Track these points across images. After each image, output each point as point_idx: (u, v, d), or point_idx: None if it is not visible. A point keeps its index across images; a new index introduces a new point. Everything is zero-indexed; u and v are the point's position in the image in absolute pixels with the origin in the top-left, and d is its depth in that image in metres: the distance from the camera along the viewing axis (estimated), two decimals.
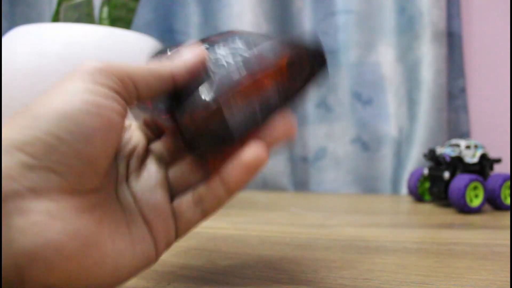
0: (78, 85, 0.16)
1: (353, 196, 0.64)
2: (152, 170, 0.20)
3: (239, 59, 0.20)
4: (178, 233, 0.20)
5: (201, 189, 0.20)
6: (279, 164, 0.71)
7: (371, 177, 0.69)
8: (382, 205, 0.54)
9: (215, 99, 0.19)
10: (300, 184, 0.73)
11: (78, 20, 0.55)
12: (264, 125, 0.20)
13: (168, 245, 0.20)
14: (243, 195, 0.63)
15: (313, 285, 0.22)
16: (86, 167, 0.15)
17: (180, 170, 0.21)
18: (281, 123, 0.20)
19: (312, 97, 0.71)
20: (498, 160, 0.50)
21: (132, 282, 0.23)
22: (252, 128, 0.20)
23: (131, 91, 0.18)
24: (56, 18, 0.57)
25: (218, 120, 0.19)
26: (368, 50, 0.69)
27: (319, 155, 0.72)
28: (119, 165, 0.20)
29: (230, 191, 0.20)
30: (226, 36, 0.22)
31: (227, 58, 0.20)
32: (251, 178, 0.20)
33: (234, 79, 0.19)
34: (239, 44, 0.21)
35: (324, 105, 0.71)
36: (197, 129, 0.19)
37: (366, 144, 0.69)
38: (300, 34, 0.22)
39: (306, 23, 0.72)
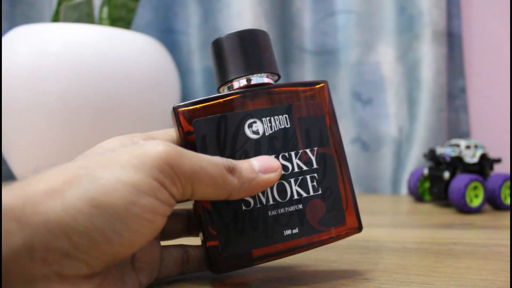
0: (143, 180, 0.15)
1: None
2: None
3: (303, 212, 0.21)
4: (154, 279, 0.21)
5: (191, 251, 0.22)
6: None
7: (371, 177, 0.69)
8: (382, 205, 0.54)
9: (252, 259, 0.20)
10: None
11: (78, 20, 0.55)
12: None
13: (146, 286, 0.21)
14: None
15: (313, 285, 0.22)
16: (114, 259, 0.16)
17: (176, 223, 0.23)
18: None
19: None
20: (498, 160, 0.50)
21: None
22: None
23: (186, 195, 0.17)
24: (56, 18, 0.57)
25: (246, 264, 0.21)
26: (368, 50, 0.69)
27: None
28: None
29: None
30: (308, 111, 0.22)
31: (296, 201, 0.21)
32: None
33: (288, 247, 0.21)
34: (314, 172, 0.22)
35: None
36: (223, 266, 0.20)
37: (366, 144, 0.69)
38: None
39: (306, 23, 0.72)
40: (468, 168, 0.48)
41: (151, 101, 0.54)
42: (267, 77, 0.22)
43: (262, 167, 0.20)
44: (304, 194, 0.21)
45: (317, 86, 0.24)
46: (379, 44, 0.68)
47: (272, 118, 0.21)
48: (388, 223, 0.41)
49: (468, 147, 0.49)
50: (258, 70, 0.22)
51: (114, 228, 0.15)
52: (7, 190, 0.14)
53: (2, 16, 0.83)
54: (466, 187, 0.44)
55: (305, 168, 0.21)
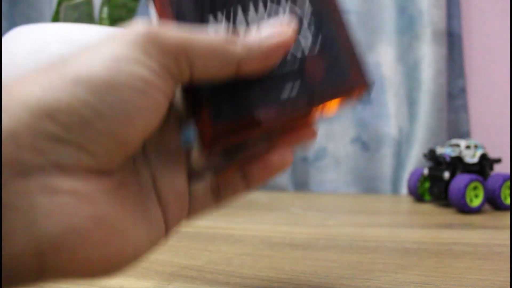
0: (126, 52, 0.13)
1: (353, 196, 0.64)
2: (172, 146, 0.18)
3: (301, 68, 0.18)
4: (189, 216, 0.19)
5: (220, 178, 0.19)
6: None
7: (371, 177, 0.69)
8: (382, 205, 0.54)
9: (260, 120, 0.17)
10: (300, 184, 0.72)
11: (78, 20, 0.55)
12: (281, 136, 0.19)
13: (176, 226, 0.18)
14: (243, 195, 0.63)
15: (313, 285, 0.22)
16: (119, 148, 0.14)
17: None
18: (305, 129, 0.19)
19: None
20: (498, 160, 0.50)
21: (132, 282, 0.23)
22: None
23: (184, 70, 0.15)
24: (56, 18, 0.57)
25: (240, 138, 0.18)
26: (368, 50, 0.69)
27: (319, 155, 0.72)
28: None
29: (249, 186, 0.19)
30: None
31: (293, 55, 0.18)
32: (273, 177, 0.19)
33: (289, 110, 0.17)
34: (307, 30, 0.18)
35: None
36: (222, 140, 0.17)
37: (366, 144, 0.69)
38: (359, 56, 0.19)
39: None
40: (468, 168, 0.48)
41: None
42: None
43: (268, 28, 0.16)
44: (301, 52, 0.18)
45: None
46: (379, 44, 0.68)
47: None
48: (388, 223, 0.41)
49: (468, 147, 0.49)
50: None
51: (103, 99, 0.13)
52: None
53: (2, 16, 0.83)
54: (466, 187, 0.44)
55: (299, 10, 0.18)
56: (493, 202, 0.46)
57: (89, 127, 0.13)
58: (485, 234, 0.35)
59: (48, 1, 0.84)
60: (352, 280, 0.23)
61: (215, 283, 0.22)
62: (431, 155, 0.51)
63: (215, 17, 0.18)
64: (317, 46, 0.18)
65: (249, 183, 0.19)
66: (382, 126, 0.68)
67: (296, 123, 0.19)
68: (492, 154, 0.57)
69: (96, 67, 0.13)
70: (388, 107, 0.68)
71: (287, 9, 0.18)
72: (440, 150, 0.51)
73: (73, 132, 0.12)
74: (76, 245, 0.12)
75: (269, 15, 0.18)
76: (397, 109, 0.67)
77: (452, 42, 0.67)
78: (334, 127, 0.71)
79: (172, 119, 0.18)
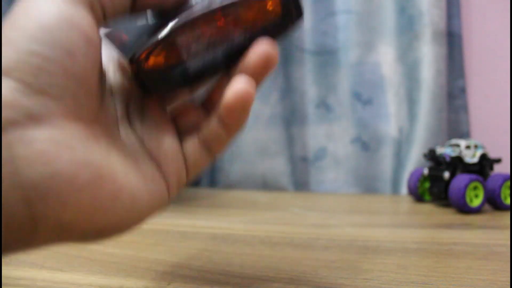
0: None
1: (353, 196, 0.64)
2: (156, 113, 0.19)
3: None
4: (189, 174, 0.19)
5: (205, 132, 0.19)
6: (279, 164, 0.71)
7: (371, 177, 0.69)
8: (382, 205, 0.54)
9: (170, 37, 0.17)
10: (300, 184, 0.73)
11: None
12: (226, 67, 0.19)
13: (179, 186, 0.19)
14: (243, 195, 0.63)
15: (313, 285, 0.22)
16: (77, 86, 0.14)
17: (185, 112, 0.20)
18: (256, 52, 0.18)
19: (312, 97, 0.71)
20: (498, 160, 0.50)
21: (132, 282, 0.23)
22: (213, 69, 0.19)
23: (102, 3, 0.16)
24: None
25: (172, 61, 0.17)
26: (368, 50, 0.69)
27: (319, 155, 0.72)
28: (116, 105, 0.18)
29: (229, 130, 0.19)
30: None
31: None
32: (244, 114, 0.18)
33: (201, 13, 0.17)
34: None
35: (324, 105, 0.71)
36: (149, 69, 0.17)
37: (366, 144, 0.69)
38: None
39: (306, 23, 0.72)
40: (468, 168, 0.48)
41: None
42: None
43: None
44: None
45: None
46: (379, 44, 0.68)
47: None
48: (388, 223, 0.41)
49: (468, 147, 0.49)
50: None
51: (41, 43, 0.13)
52: None
53: (2, 16, 0.83)
54: (466, 187, 0.44)
55: None
56: (493, 202, 0.46)
57: (42, 73, 0.13)
58: (485, 234, 0.35)
59: None
60: (352, 280, 0.23)
61: (215, 283, 0.22)
62: (431, 155, 0.51)
63: None
64: None
65: (226, 124, 0.19)
66: (382, 126, 0.68)
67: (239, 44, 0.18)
68: (492, 154, 0.57)
69: (30, 19, 0.14)
70: (388, 107, 0.68)
71: None
72: (440, 150, 0.51)
73: (29, 82, 0.13)
74: (62, 189, 0.13)
75: None
76: (397, 109, 0.67)
77: (452, 42, 0.67)
78: (334, 127, 0.71)
79: None
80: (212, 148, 0.20)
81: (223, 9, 0.17)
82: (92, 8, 0.15)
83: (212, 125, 0.19)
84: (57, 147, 0.13)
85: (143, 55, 0.17)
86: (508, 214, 0.44)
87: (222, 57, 0.18)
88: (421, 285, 0.22)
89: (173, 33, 0.17)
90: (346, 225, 0.39)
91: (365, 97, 0.69)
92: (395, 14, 0.67)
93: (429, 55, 0.63)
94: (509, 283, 0.22)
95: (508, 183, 0.46)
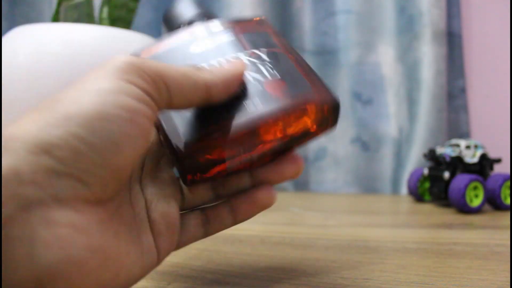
0: (110, 84, 0.15)
1: (353, 196, 0.64)
2: (166, 176, 0.20)
3: (263, 90, 0.19)
4: (179, 246, 0.20)
5: (209, 211, 0.21)
6: None
7: (371, 177, 0.69)
8: (382, 205, 0.54)
9: (218, 148, 0.18)
10: (300, 184, 0.72)
11: (78, 20, 0.55)
12: (263, 164, 0.20)
13: (165, 256, 0.20)
14: None
15: (313, 285, 0.22)
16: (112, 176, 0.15)
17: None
18: (290, 165, 0.21)
19: None
20: (498, 160, 0.50)
21: None
22: (246, 166, 0.20)
23: (163, 95, 0.16)
24: (56, 18, 0.57)
25: (215, 165, 0.18)
26: (368, 50, 0.69)
27: (319, 155, 0.72)
28: (134, 168, 0.19)
29: (236, 221, 0.21)
30: (249, 31, 0.21)
31: (253, 84, 0.19)
32: (259, 212, 0.21)
33: (251, 124, 0.18)
34: (267, 63, 0.20)
35: None
36: (193, 162, 0.18)
37: (366, 144, 0.69)
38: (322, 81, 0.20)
39: (306, 23, 0.72)
40: (468, 168, 0.48)
41: None
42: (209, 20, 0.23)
43: (227, 64, 0.19)
44: (261, 78, 0.19)
45: (255, 19, 0.23)
46: (379, 44, 0.68)
47: (215, 38, 0.21)
48: (388, 223, 0.41)
49: (468, 147, 0.49)
50: (202, 17, 0.23)
51: (93, 131, 0.14)
52: None
53: (2, 16, 0.83)
54: (466, 187, 0.44)
55: (257, 61, 0.20)
56: (493, 202, 0.46)
57: (82, 159, 0.14)
58: (485, 234, 0.35)
59: (48, 1, 0.84)
60: (352, 280, 0.23)
61: (215, 283, 0.22)
62: (431, 155, 0.51)
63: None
64: (277, 74, 0.20)
65: (236, 218, 0.21)
66: (382, 126, 0.68)
67: (275, 151, 0.20)
68: (492, 154, 0.57)
69: (84, 101, 0.14)
70: (388, 107, 0.68)
71: (247, 60, 0.20)
72: (440, 150, 0.51)
73: (68, 164, 0.13)
74: (73, 273, 0.13)
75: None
76: (397, 109, 0.67)
77: (452, 42, 0.67)
78: None
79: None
80: (211, 229, 0.21)
81: (272, 121, 0.18)
82: (153, 98, 0.16)
83: (221, 211, 0.21)
84: (75, 232, 0.13)
85: (192, 149, 0.18)
86: (508, 214, 0.44)
87: (257, 159, 0.20)
88: (421, 285, 0.22)
89: (222, 141, 0.18)
90: (346, 225, 0.39)
91: (365, 97, 0.69)
92: (395, 14, 0.67)
93: (429, 55, 0.63)
94: (509, 283, 0.22)
95: (508, 183, 0.46)
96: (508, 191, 0.47)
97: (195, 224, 0.20)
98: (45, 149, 0.13)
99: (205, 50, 0.20)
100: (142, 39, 0.55)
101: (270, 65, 0.20)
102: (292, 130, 0.19)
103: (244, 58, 0.20)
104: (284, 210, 0.49)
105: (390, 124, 0.68)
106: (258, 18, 0.23)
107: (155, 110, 0.16)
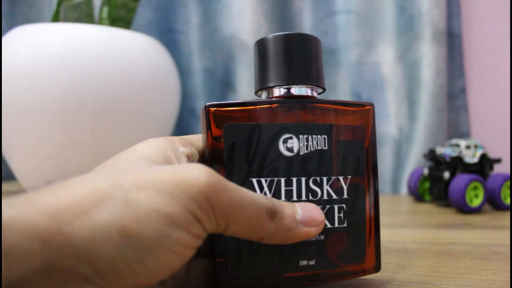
0: (180, 213, 0.14)
1: None
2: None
3: (324, 247, 0.20)
4: None
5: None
6: None
7: None
8: (382, 205, 0.54)
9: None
10: None
11: (78, 20, 0.55)
12: None
13: None
14: None
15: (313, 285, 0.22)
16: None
17: None
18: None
19: None
20: (498, 160, 0.50)
21: None
22: None
23: (218, 230, 0.16)
24: (56, 18, 0.57)
25: None
26: (368, 50, 0.69)
27: None
28: None
29: None
30: (349, 136, 0.21)
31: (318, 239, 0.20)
32: None
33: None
34: (342, 205, 0.20)
35: None
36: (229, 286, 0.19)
37: None
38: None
39: (306, 23, 0.72)
40: (468, 168, 0.48)
41: (151, 101, 0.54)
42: (311, 89, 0.21)
43: (305, 217, 0.18)
44: (329, 225, 0.20)
45: (363, 108, 0.21)
46: (379, 44, 0.68)
47: (309, 137, 0.20)
48: (388, 223, 0.41)
49: (468, 147, 0.49)
50: (302, 81, 0.20)
51: (142, 259, 0.14)
52: (25, 201, 0.13)
53: (2, 16, 0.83)
54: (466, 187, 0.44)
55: (335, 197, 0.20)
56: (493, 202, 0.46)
57: (119, 278, 0.14)
58: (485, 234, 0.35)
59: (48, 1, 0.84)
60: (352, 280, 0.22)
61: None
62: (431, 155, 0.51)
63: (259, 183, 0.19)
64: (345, 223, 0.20)
65: None
66: (382, 126, 0.68)
67: None
68: (492, 154, 0.57)
69: (148, 223, 0.14)
70: (388, 107, 0.68)
71: (326, 190, 0.20)
72: (440, 150, 0.51)
73: (103, 278, 0.13)
74: None
75: (307, 196, 0.20)
76: (397, 109, 0.67)
77: (452, 42, 0.66)
78: None
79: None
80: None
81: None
82: (208, 231, 0.16)
83: None
84: None
85: (242, 277, 0.19)
86: (508, 214, 0.44)
87: None
88: (421, 285, 0.22)
89: (282, 282, 0.19)
90: None
91: (365, 97, 0.69)
92: (395, 14, 0.67)
93: (429, 55, 0.63)
94: (509, 283, 0.22)
95: (508, 183, 0.46)
96: (508, 191, 0.47)
97: (201, 271, 0.20)
98: (90, 259, 0.13)
99: (295, 153, 0.20)
100: (142, 39, 0.55)
101: (344, 209, 0.20)
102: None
103: (325, 187, 0.20)
104: None
105: (390, 124, 0.68)
106: (365, 108, 0.21)
107: (203, 239, 0.16)
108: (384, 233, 0.35)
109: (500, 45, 0.66)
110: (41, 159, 0.50)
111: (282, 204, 0.18)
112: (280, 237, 0.18)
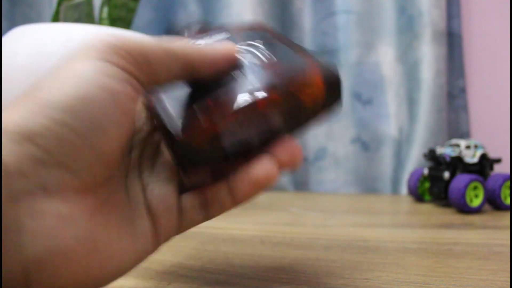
0: (89, 66, 0.14)
1: (353, 196, 0.64)
2: (164, 160, 0.19)
3: (259, 69, 0.18)
4: (179, 230, 0.19)
5: (208, 193, 0.20)
6: None
7: (371, 177, 0.69)
8: (382, 205, 0.54)
9: (215, 123, 0.17)
10: (300, 184, 0.73)
11: (78, 20, 0.55)
12: (261, 150, 0.19)
13: (166, 240, 0.19)
14: None
15: (313, 285, 0.22)
16: (99, 161, 0.14)
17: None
18: (285, 150, 0.18)
19: None
20: (498, 160, 0.50)
21: (132, 282, 0.23)
22: (246, 152, 0.19)
23: (146, 72, 0.16)
24: (56, 18, 0.57)
25: (213, 144, 0.17)
26: (368, 50, 0.69)
27: (319, 155, 0.72)
28: (133, 151, 0.18)
29: (236, 202, 0.19)
30: (247, 31, 0.22)
31: (248, 66, 0.19)
32: (259, 192, 0.19)
33: (248, 98, 0.17)
34: (262, 50, 0.20)
35: None
36: (187, 145, 0.17)
37: (366, 144, 0.69)
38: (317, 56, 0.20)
39: (306, 23, 0.72)
40: (468, 168, 0.48)
41: None
42: None
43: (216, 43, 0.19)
44: (257, 61, 0.19)
45: (255, 23, 0.23)
46: (379, 44, 0.68)
47: (212, 36, 0.21)
48: (388, 223, 0.41)
49: (468, 147, 0.49)
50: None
51: (76, 116, 0.13)
52: None
53: (2, 16, 0.83)
54: (466, 187, 0.44)
55: (252, 49, 0.20)
56: (493, 202, 0.46)
57: (66, 145, 0.13)
58: (485, 234, 0.35)
59: (48, 1, 0.84)
60: (352, 280, 0.23)
61: (215, 283, 0.22)
62: (431, 155, 0.51)
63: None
64: (273, 57, 0.19)
65: (235, 199, 0.19)
66: (382, 126, 0.68)
67: (273, 130, 0.19)
68: (492, 154, 0.57)
69: (64, 86, 0.14)
70: (388, 107, 0.68)
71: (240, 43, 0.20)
72: (440, 150, 0.51)
73: (53, 152, 0.13)
74: (59, 263, 0.13)
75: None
76: (397, 109, 0.67)
77: (452, 42, 0.67)
78: (334, 127, 0.71)
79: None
80: (211, 212, 0.20)
81: (269, 96, 0.17)
82: (135, 77, 0.15)
83: (220, 193, 0.19)
84: (63, 222, 0.13)
85: (188, 133, 0.17)
86: (508, 214, 0.44)
87: (258, 140, 0.18)
88: (421, 285, 0.22)
89: (220, 117, 0.17)
90: (346, 225, 0.39)
91: (365, 97, 0.69)
92: (395, 14, 0.67)
93: (429, 55, 0.63)
94: (509, 283, 0.22)
95: (508, 183, 0.46)
96: (508, 191, 0.47)
97: (193, 207, 0.19)
98: (29, 137, 0.13)
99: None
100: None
101: (267, 51, 0.20)
102: (289, 104, 0.18)
103: (239, 46, 0.20)
104: (284, 210, 0.49)
105: (390, 124, 0.68)
106: (258, 23, 0.23)
107: (138, 89, 0.15)
108: (384, 233, 0.35)
109: (500, 45, 0.66)
110: None
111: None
112: (210, 53, 0.17)
